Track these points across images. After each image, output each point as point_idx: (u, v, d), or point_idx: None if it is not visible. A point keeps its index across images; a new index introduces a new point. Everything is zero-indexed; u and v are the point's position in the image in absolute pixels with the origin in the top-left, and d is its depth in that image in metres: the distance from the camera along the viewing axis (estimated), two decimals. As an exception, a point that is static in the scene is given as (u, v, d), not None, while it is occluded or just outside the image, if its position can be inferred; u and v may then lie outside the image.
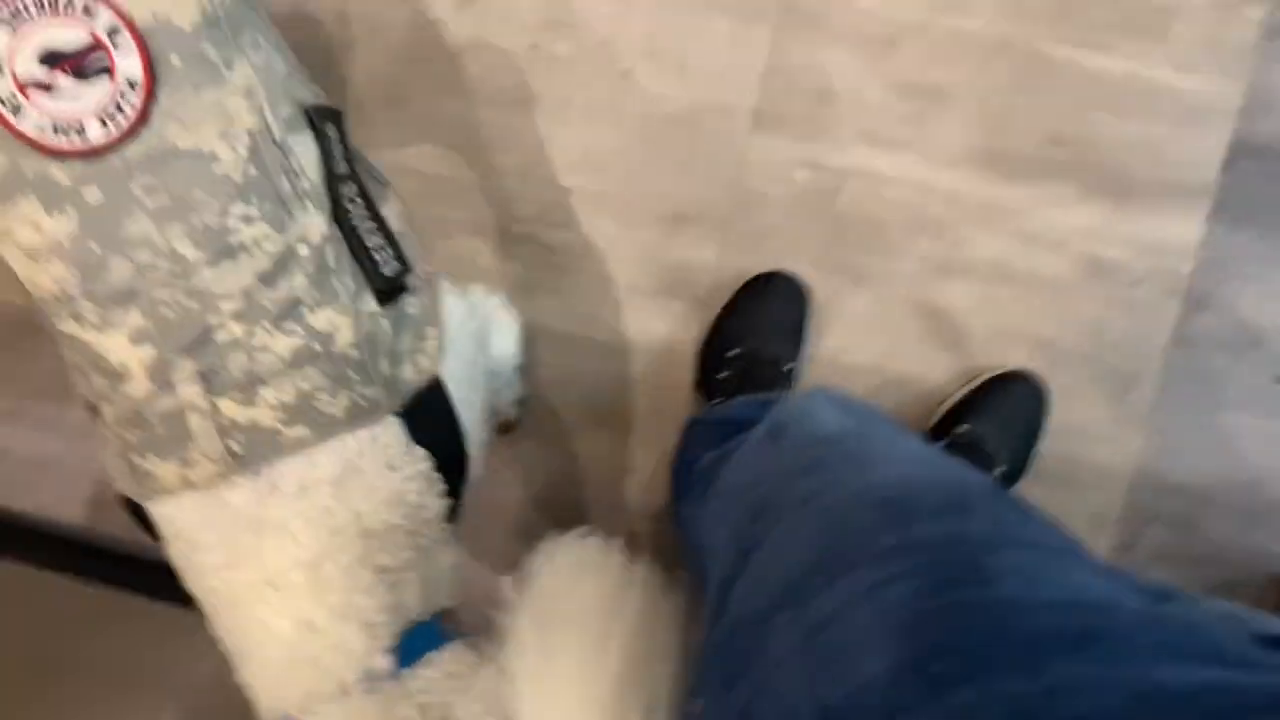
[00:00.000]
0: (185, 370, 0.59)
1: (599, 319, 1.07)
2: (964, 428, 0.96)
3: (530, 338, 1.09)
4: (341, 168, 0.65)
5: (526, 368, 1.10)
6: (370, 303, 0.65)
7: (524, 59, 1.04)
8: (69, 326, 0.59)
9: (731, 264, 1.03)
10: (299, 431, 0.61)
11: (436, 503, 0.70)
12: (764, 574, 0.53)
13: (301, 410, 0.61)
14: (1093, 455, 1.01)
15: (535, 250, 1.07)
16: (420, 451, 0.67)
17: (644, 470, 1.09)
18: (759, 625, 0.49)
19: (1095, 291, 0.99)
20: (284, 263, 0.59)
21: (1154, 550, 1.02)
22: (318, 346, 0.61)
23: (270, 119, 0.59)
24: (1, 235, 0.57)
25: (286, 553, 0.61)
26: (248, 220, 0.58)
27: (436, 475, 0.69)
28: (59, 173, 0.54)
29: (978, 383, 1.00)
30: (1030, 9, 0.96)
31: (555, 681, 0.63)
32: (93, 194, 0.55)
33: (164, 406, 0.60)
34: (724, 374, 0.98)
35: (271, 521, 0.61)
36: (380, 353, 0.65)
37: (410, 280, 0.68)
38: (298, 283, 0.60)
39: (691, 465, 0.87)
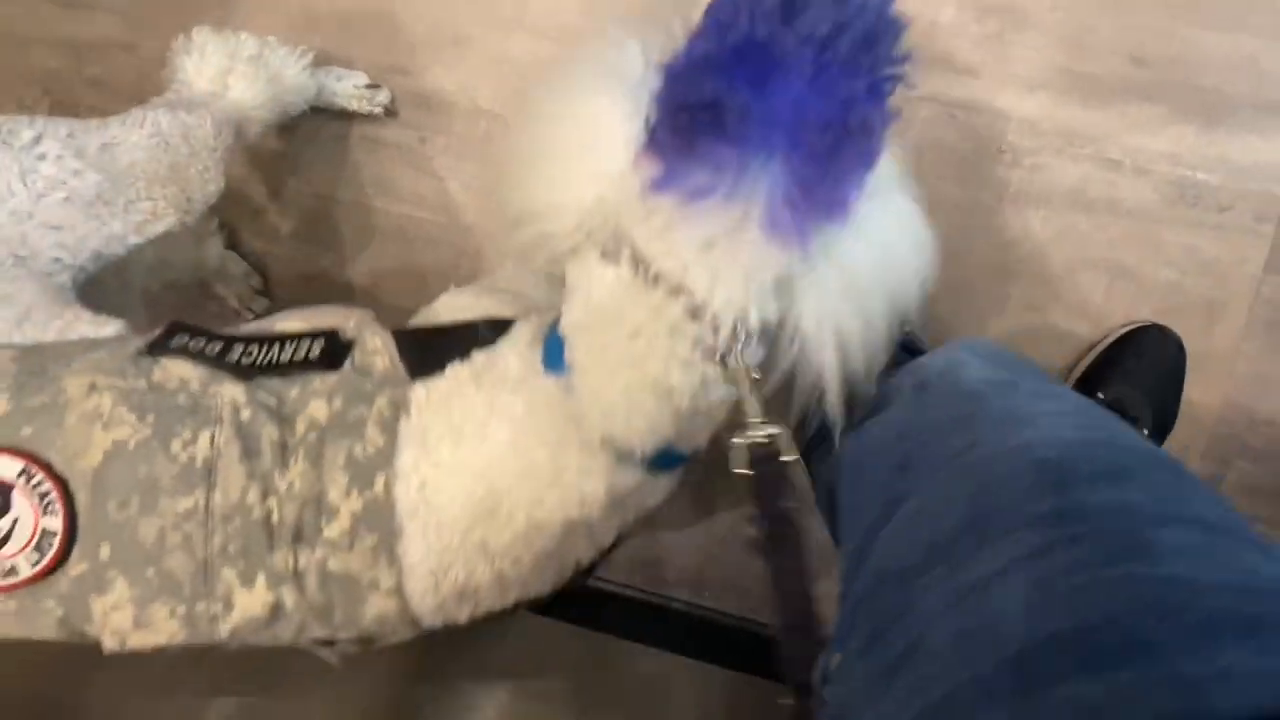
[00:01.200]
0: (283, 560, 0.61)
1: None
2: (1100, 396, 0.92)
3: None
4: (214, 348, 0.66)
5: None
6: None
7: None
8: (230, 624, 0.62)
9: (801, 197, 1.02)
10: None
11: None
12: (912, 529, 0.51)
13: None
14: (1177, 388, 0.98)
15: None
16: None
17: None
18: (909, 581, 0.48)
19: (1182, 217, 0.95)
20: (248, 432, 0.62)
21: (1242, 485, 0.99)
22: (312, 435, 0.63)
23: (126, 385, 0.62)
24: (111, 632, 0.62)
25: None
26: (188, 442, 0.61)
27: None
28: (76, 568, 0.60)
29: (1103, 346, 0.96)
30: (1115, -79, 0.92)
31: None
32: (104, 550, 0.60)
33: (335, 567, 0.62)
34: None
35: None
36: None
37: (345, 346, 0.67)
38: (267, 431, 0.62)
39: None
